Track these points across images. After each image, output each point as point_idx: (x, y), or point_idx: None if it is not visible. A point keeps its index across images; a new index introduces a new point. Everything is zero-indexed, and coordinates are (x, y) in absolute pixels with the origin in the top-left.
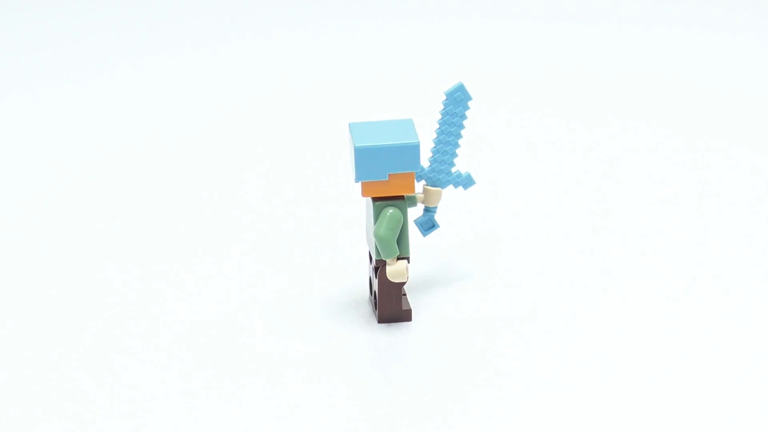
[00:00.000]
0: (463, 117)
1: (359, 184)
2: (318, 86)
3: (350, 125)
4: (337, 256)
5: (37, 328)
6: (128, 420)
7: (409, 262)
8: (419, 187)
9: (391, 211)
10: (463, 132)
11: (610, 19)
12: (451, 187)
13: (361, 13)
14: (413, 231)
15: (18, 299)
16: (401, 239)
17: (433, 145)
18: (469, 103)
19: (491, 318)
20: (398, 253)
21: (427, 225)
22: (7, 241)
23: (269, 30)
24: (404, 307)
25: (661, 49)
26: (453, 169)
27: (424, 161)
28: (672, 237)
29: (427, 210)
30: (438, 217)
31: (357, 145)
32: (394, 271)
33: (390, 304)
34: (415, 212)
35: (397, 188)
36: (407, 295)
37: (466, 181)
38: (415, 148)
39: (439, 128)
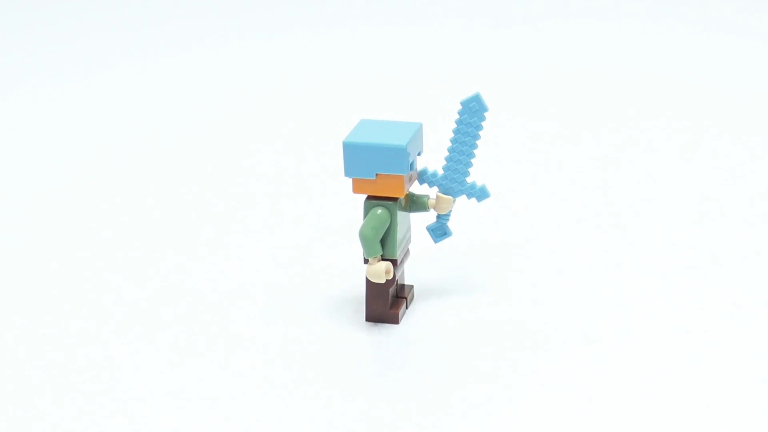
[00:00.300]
0: (479, 128)
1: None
2: (341, 87)
3: (360, 121)
4: (339, 253)
5: (39, 326)
6: (120, 418)
7: (396, 265)
8: (432, 193)
9: (379, 211)
10: (478, 143)
11: (622, 25)
12: (464, 197)
13: (399, 18)
14: (426, 237)
15: (18, 299)
16: (387, 241)
17: (448, 153)
18: (486, 114)
19: (488, 325)
20: (380, 253)
21: (439, 232)
22: (7, 241)
23: (290, 31)
24: (394, 310)
25: (675, 56)
26: (468, 179)
27: (439, 168)
28: (683, 246)
29: (439, 217)
30: (451, 224)
31: (345, 140)
32: (372, 270)
33: (377, 304)
34: (427, 218)
35: (385, 189)
36: (408, 298)
37: (480, 193)
38: (400, 152)
39: (453, 137)
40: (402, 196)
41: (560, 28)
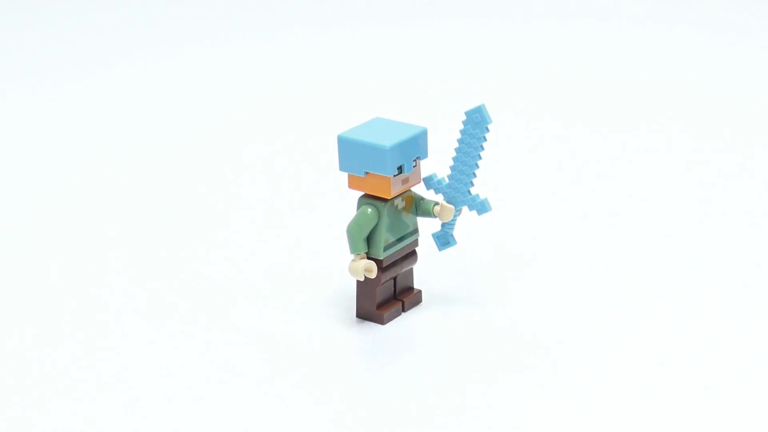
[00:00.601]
0: (481, 140)
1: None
2: (350, 87)
3: (373, 118)
4: (341, 249)
5: (39, 326)
6: (119, 417)
7: (382, 266)
8: (441, 199)
9: (369, 210)
10: (482, 154)
11: (622, 25)
12: (466, 208)
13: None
14: (431, 245)
15: (19, 299)
16: (373, 240)
17: (452, 162)
18: (489, 126)
19: (487, 324)
20: (363, 251)
21: (443, 240)
22: (7, 241)
23: (294, 31)
24: (381, 310)
25: (684, 62)
26: (472, 190)
27: (445, 177)
28: (683, 246)
29: (443, 225)
30: (457, 226)
31: (339, 135)
32: (352, 267)
33: (365, 302)
34: (436, 224)
35: (374, 188)
36: (407, 302)
37: (480, 207)
38: (383, 152)
39: (458, 146)
40: (389, 198)
41: (560, 29)
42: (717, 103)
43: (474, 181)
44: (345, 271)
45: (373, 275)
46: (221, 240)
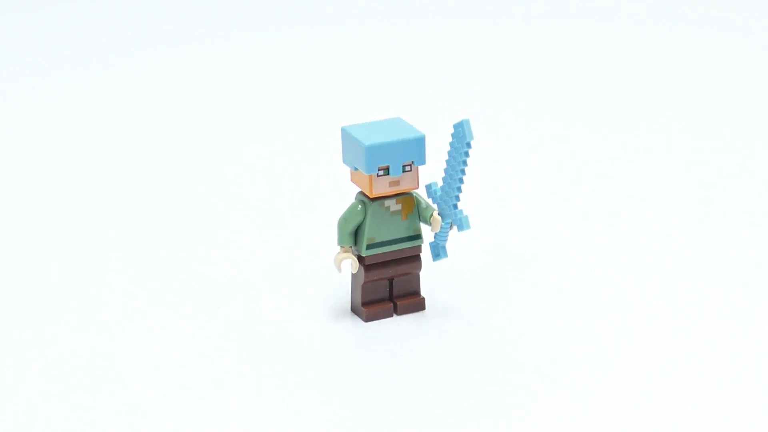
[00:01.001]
0: (463, 155)
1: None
2: (358, 87)
3: (394, 118)
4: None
5: (40, 326)
6: (119, 416)
7: (364, 263)
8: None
9: (359, 207)
10: (466, 170)
11: (621, 25)
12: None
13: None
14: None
15: (18, 299)
16: (358, 236)
17: (443, 174)
18: (471, 143)
19: (486, 324)
20: (347, 245)
21: (434, 251)
22: (7, 241)
23: (301, 31)
24: (365, 307)
25: (683, 63)
26: (459, 204)
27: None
28: (683, 246)
29: (435, 235)
30: (456, 232)
31: (342, 126)
32: (334, 258)
33: (354, 296)
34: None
35: (361, 184)
36: (400, 305)
37: (460, 223)
38: (362, 149)
39: (447, 158)
40: (371, 196)
41: (560, 29)
42: (717, 103)
43: (460, 195)
44: (346, 271)
45: (354, 270)
46: (221, 240)
